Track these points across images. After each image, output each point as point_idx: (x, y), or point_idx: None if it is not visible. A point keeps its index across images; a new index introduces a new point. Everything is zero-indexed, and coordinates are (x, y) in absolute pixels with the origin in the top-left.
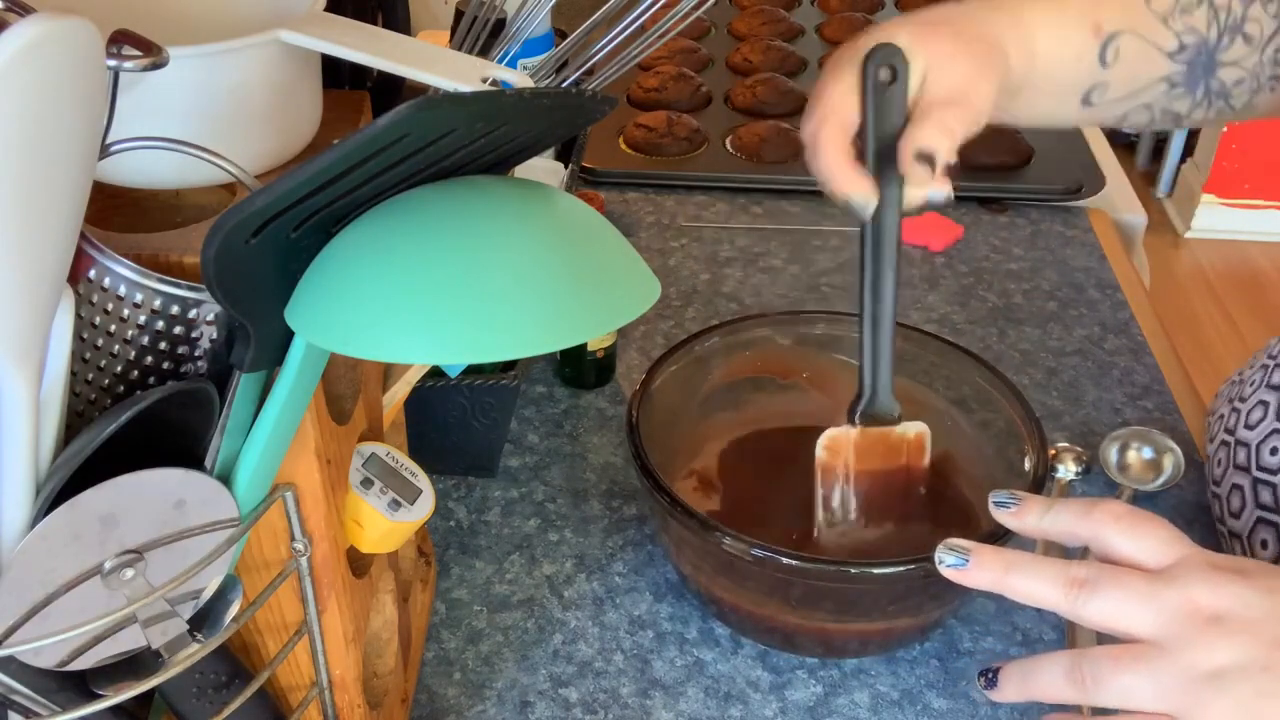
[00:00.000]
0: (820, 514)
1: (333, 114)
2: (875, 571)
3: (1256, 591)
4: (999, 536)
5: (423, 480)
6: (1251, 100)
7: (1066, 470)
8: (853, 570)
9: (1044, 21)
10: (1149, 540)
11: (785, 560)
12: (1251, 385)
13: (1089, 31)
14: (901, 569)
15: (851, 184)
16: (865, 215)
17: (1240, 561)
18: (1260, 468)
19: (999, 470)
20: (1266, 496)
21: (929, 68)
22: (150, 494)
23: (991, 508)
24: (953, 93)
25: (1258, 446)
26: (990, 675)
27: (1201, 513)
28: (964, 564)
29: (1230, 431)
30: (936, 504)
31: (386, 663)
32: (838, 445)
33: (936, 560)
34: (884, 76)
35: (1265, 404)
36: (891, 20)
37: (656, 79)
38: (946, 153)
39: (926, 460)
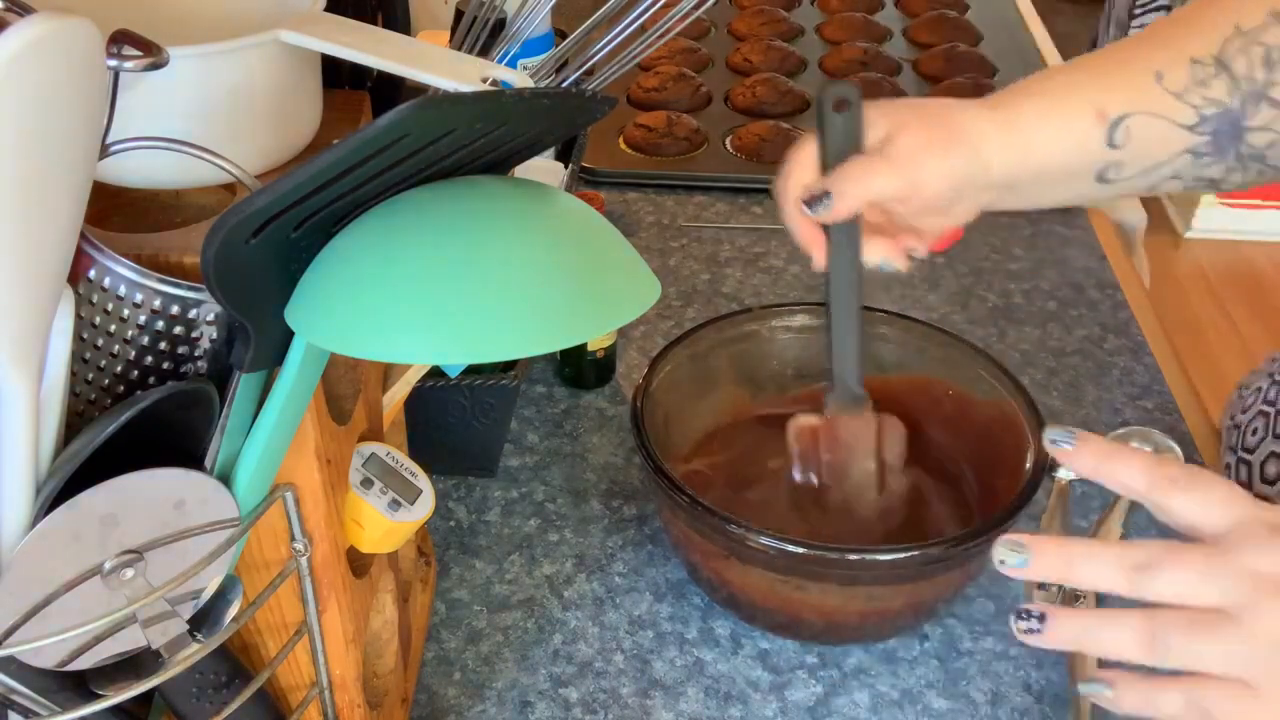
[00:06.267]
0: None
1: (333, 114)
2: (872, 559)
3: None
4: (1001, 526)
5: (423, 480)
6: None
7: (1067, 470)
8: (851, 557)
9: (1040, 115)
10: (1207, 501)
11: (790, 548)
12: (1255, 435)
13: (1091, 118)
14: (900, 555)
15: (806, 240)
16: (819, 265)
17: None
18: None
19: (999, 463)
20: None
21: (889, 133)
22: (150, 494)
23: (1046, 443)
24: (898, 155)
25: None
26: (1034, 617)
27: None
28: (1024, 563)
29: (1245, 484)
30: (939, 497)
31: (386, 663)
32: (805, 434)
33: (996, 561)
34: (836, 107)
35: (1278, 455)
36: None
37: (656, 79)
38: (849, 198)
39: (899, 447)
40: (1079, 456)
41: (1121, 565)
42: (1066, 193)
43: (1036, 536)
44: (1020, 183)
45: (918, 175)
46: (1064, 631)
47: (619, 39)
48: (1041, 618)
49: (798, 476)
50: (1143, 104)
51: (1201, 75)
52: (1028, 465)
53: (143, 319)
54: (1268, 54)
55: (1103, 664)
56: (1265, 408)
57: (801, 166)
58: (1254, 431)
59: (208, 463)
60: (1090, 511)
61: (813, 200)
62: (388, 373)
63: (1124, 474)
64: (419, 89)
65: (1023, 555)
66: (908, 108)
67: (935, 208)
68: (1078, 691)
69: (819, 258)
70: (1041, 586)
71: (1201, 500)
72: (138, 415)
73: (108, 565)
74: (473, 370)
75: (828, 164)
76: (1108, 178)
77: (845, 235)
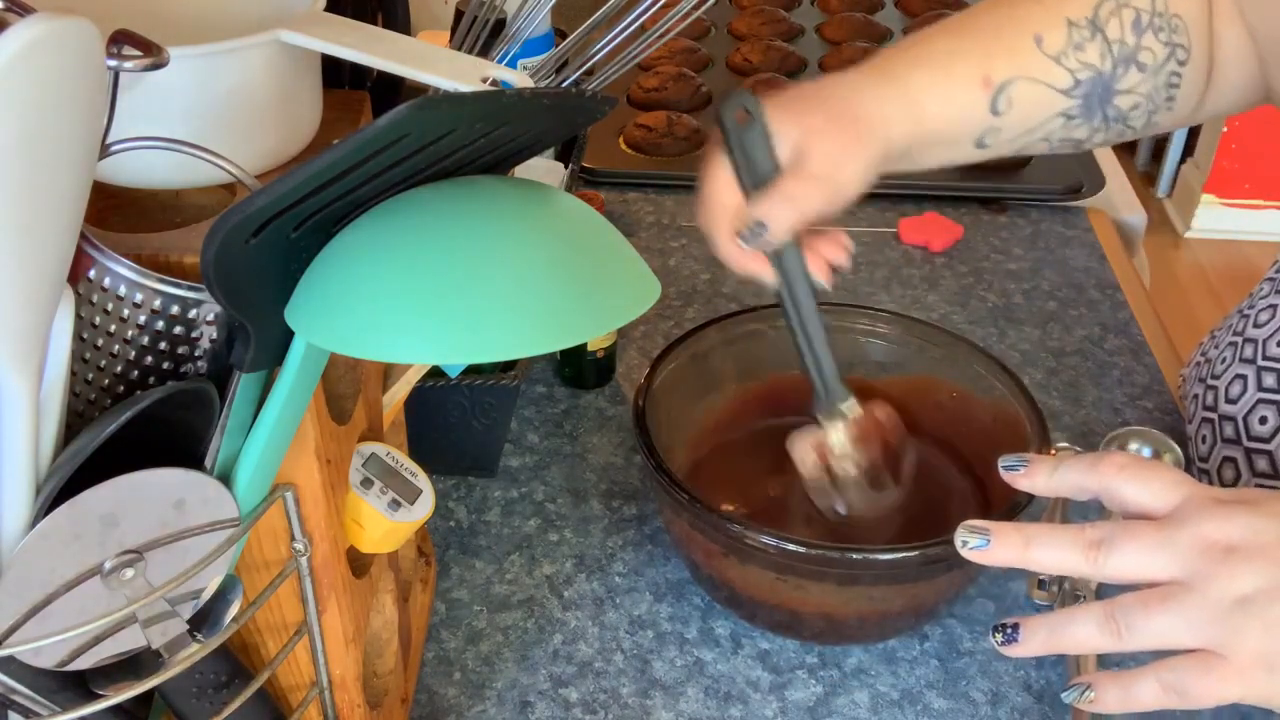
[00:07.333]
0: (825, 504)
1: (333, 114)
2: (872, 558)
3: (1263, 517)
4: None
5: (423, 480)
6: (1151, 120)
7: None
8: (852, 556)
9: (930, 84)
10: (1154, 484)
11: (792, 547)
12: (1224, 363)
13: (978, 85)
14: (900, 555)
15: (748, 268)
16: (772, 285)
17: (1242, 492)
18: (1252, 438)
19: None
20: (1263, 464)
21: (801, 141)
22: (150, 494)
23: (1001, 471)
24: (819, 168)
25: (1245, 418)
26: (1009, 629)
27: None
28: (985, 544)
29: (1211, 408)
30: (938, 496)
31: (386, 663)
32: (808, 446)
33: (958, 543)
34: (739, 120)
35: (1243, 377)
36: (770, 97)
37: (656, 79)
38: (783, 224)
39: (893, 420)
40: (1032, 475)
41: (1078, 543)
42: (942, 159)
43: (997, 521)
44: (913, 147)
45: (841, 179)
46: (1036, 636)
47: (619, 39)
48: (1015, 627)
49: (820, 504)
50: (1024, 69)
51: (1078, 38)
52: None
53: (143, 319)
54: (1137, 17)
55: (1102, 664)
56: (1234, 338)
57: (721, 194)
58: (1223, 360)
59: (208, 463)
60: (1090, 512)
61: (748, 234)
62: (388, 373)
63: (1075, 476)
64: (419, 89)
65: (983, 537)
66: (811, 105)
67: (851, 198)
68: (1064, 700)
69: (767, 275)
70: (1041, 585)
71: (1150, 484)
72: (138, 415)
73: (108, 565)
74: (473, 370)
75: (748, 186)
76: (985, 143)
77: (788, 250)
